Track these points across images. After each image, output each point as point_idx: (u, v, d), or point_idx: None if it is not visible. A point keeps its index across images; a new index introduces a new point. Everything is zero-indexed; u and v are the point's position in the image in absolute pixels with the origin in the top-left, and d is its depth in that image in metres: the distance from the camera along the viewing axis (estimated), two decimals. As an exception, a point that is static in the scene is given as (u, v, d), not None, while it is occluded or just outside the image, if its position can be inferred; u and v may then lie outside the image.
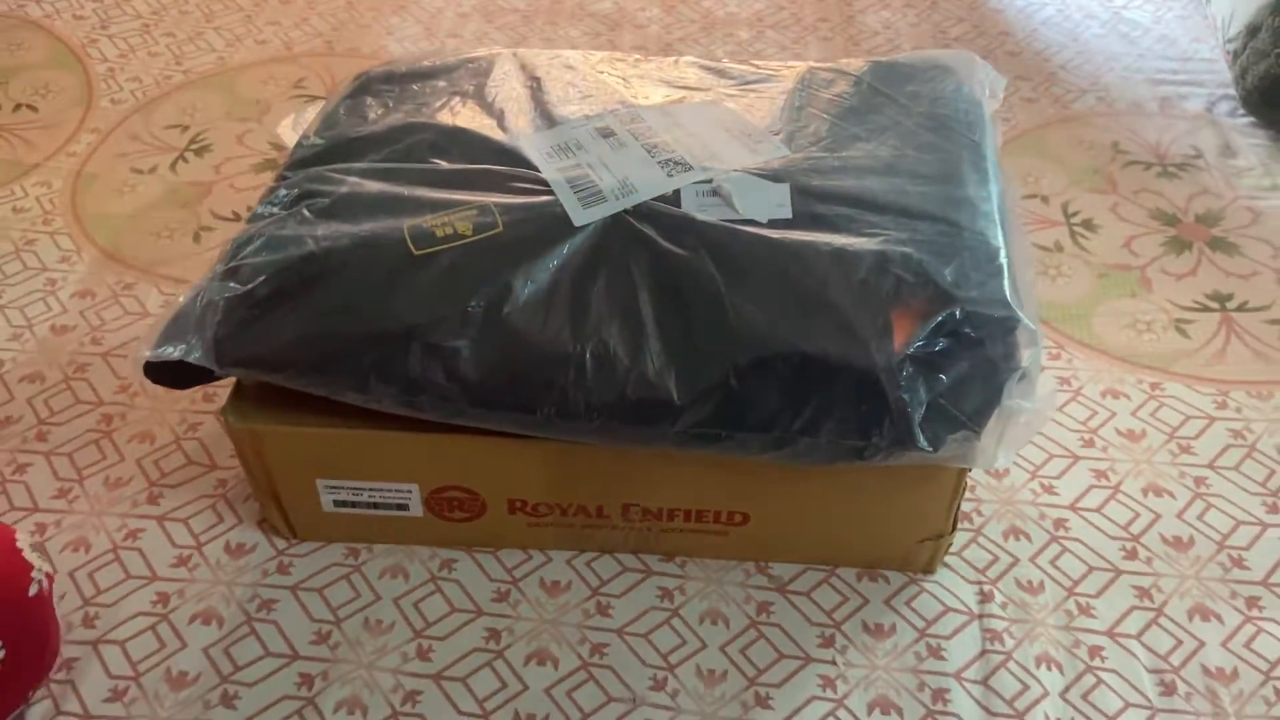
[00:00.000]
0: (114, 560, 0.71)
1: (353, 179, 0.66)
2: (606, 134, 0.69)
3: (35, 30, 1.22)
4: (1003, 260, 0.62)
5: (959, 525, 0.72)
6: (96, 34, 1.22)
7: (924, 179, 0.66)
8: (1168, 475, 0.76)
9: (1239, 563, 0.71)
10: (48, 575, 0.61)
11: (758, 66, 0.79)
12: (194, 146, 1.07)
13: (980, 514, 0.74)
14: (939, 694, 0.64)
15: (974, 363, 0.59)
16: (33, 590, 0.59)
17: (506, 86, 0.75)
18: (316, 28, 1.24)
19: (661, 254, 0.61)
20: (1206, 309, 0.89)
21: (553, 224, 0.62)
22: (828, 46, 1.22)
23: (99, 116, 1.11)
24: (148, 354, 0.61)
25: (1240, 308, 0.89)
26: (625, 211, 0.63)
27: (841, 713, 0.63)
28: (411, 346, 0.59)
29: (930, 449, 0.58)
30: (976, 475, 0.76)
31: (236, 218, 0.98)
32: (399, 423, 0.62)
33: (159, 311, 0.88)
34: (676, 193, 0.64)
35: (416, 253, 0.62)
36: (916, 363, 0.58)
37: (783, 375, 0.58)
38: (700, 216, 0.63)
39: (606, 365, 0.59)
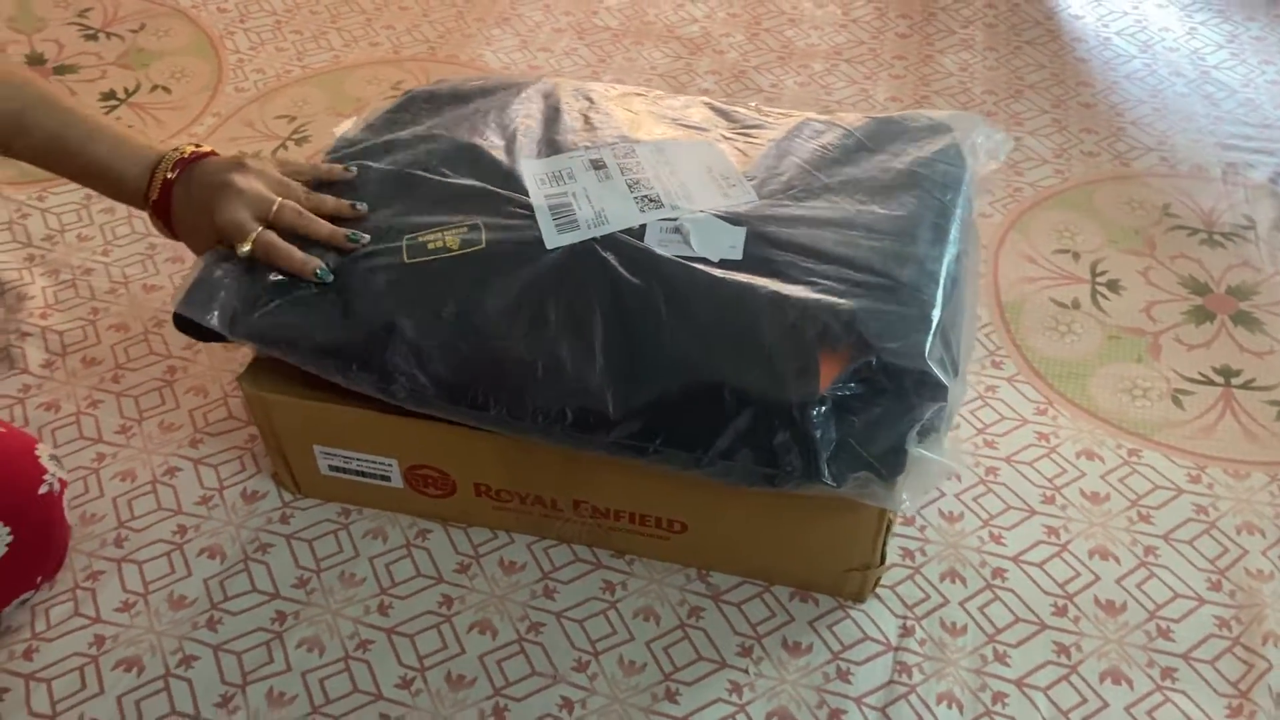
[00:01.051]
0: (151, 492, 0.82)
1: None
2: (598, 165, 0.76)
3: (182, 19, 1.38)
4: (932, 317, 0.66)
5: (896, 561, 0.76)
6: (234, 26, 1.37)
7: (878, 234, 0.70)
8: (1119, 540, 0.77)
9: (1165, 633, 0.72)
10: (60, 481, 0.72)
11: (763, 112, 0.84)
12: (295, 136, 1.19)
13: (924, 553, 0.77)
14: (836, 713, 0.68)
15: (885, 410, 0.63)
16: (43, 490, 0.70)
17: (525, 112, 0.82)
18: (425, 34, 1.35)
19: (618, 281, 0.68)
20: (1210, 382, 0.89)
21: (527, 246, 0.70)
22: (899, 85, 1.25)
23: (223, 102, 1.24)
24: (175, 309, 0.71)
25: (1245, 385, 0.88)
26: (594, 239, 0.70)
27: (741, 717, 0.68)
28: (389, 341, 0.68)
29: (834, 484, 0.63)
30: (928, 516, 0.80)
31: (316, 204, 1.09)
32: (382, 404, 0.71)
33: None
34: (643, 226, 0.71)
35: (408, 261, 0.70)
36: (830, 403, 0.63)
37: (709, 401, 0.64)
38: (659, 250, 0.69)
39: (554, 375, 0.66)
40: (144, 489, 0.82)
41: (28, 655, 0.71)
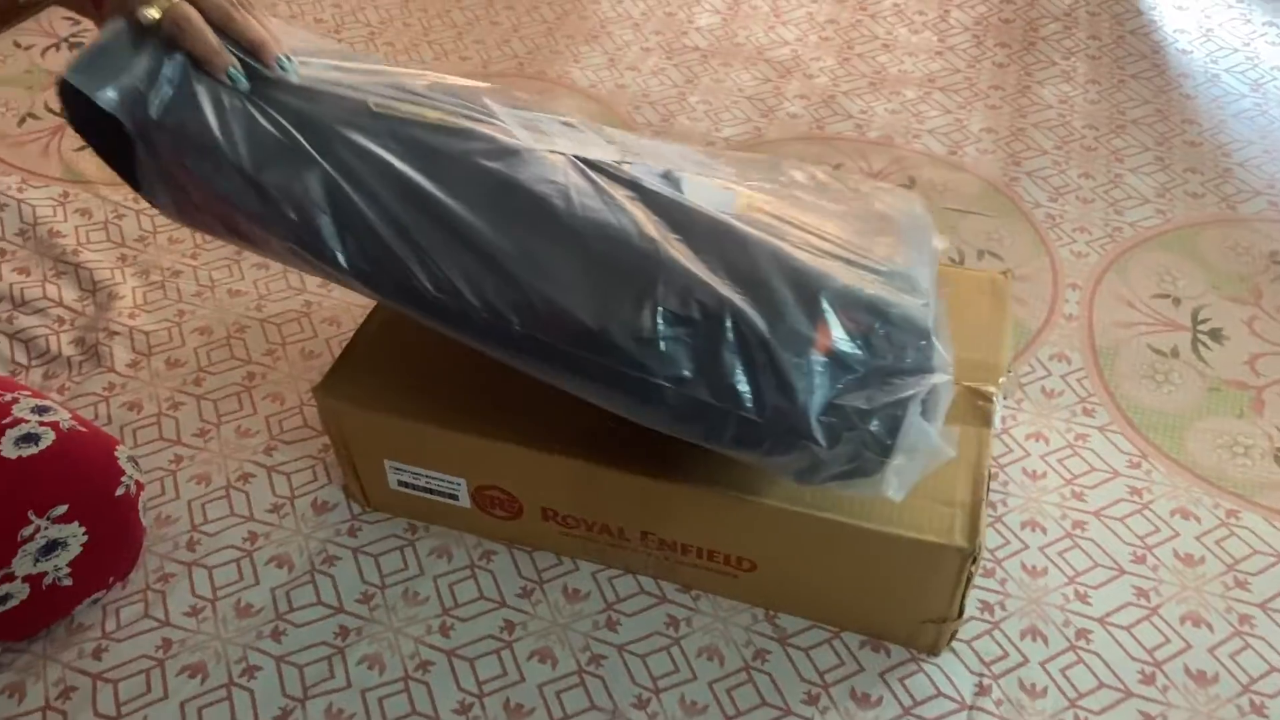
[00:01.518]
0: (225, 497, 0.83)
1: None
2: (569, 125, 0.69)
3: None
4: (930, 302, 0.62)
5: (974, 614, 0.73)
6: (329, 37, 1.39)
7: (866, 234, 0.66)
8: (1213, 607, 0.73)
9: (1259, 709, 0.68)
10: (137, 483, 0.73)
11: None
12: (383, 147, 1.20)
13: (1004, 608, 0.74)
14: (904, 772, 0.66)
15: (885, 380, 0.59)
16: (119, 491, 0.71)
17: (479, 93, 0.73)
18: (514, 50, 1.36)
19: (601, 190, 0.61)
20: (1318, 443, 0.84)
21: (508, 141, 0.63)
22: (994, 115, 1.21)
23: (314, 111, 1.26)
24: (64, 75, 0.58)
25: (1357, 447, 0.83)
26: (577, 157, 0.63)
27: (804, 767, 0.66)
28: (327, 176, 0.59)
29: (824, 444, 0.58)
30: (1011, 570, 0.76)
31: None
32: (452, 423, 0.70)
33: (317, 291, 1.01)
34: (628, 164, 0.64)
35: (374, 109, 0.62)
36: (830, 357, 0.58)
37: (699, 330, 0.58)
38: (646, 184, 0.63)
39: (521, 270, 0.59)
40: (218, 493, 0.83)
41: (97, 654, 0.72)
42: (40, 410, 0.74)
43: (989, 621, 0.73)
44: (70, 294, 1.00)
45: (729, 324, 0.58)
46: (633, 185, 0.63)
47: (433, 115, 0.63)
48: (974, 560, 0.65)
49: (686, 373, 0.58)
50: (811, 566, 0.70)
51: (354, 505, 0.82)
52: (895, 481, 0.59)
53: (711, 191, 0.65)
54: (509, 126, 0.65)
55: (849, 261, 0.63)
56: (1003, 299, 0.80)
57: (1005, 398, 0.73)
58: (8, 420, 0.72)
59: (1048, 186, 1.11)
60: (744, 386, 0.58)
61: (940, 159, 1.15)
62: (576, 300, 0.58)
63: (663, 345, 0.58)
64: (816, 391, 0.57)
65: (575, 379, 0.61)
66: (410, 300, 0.60)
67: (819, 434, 0.57)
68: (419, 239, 0.59)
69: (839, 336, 0.58)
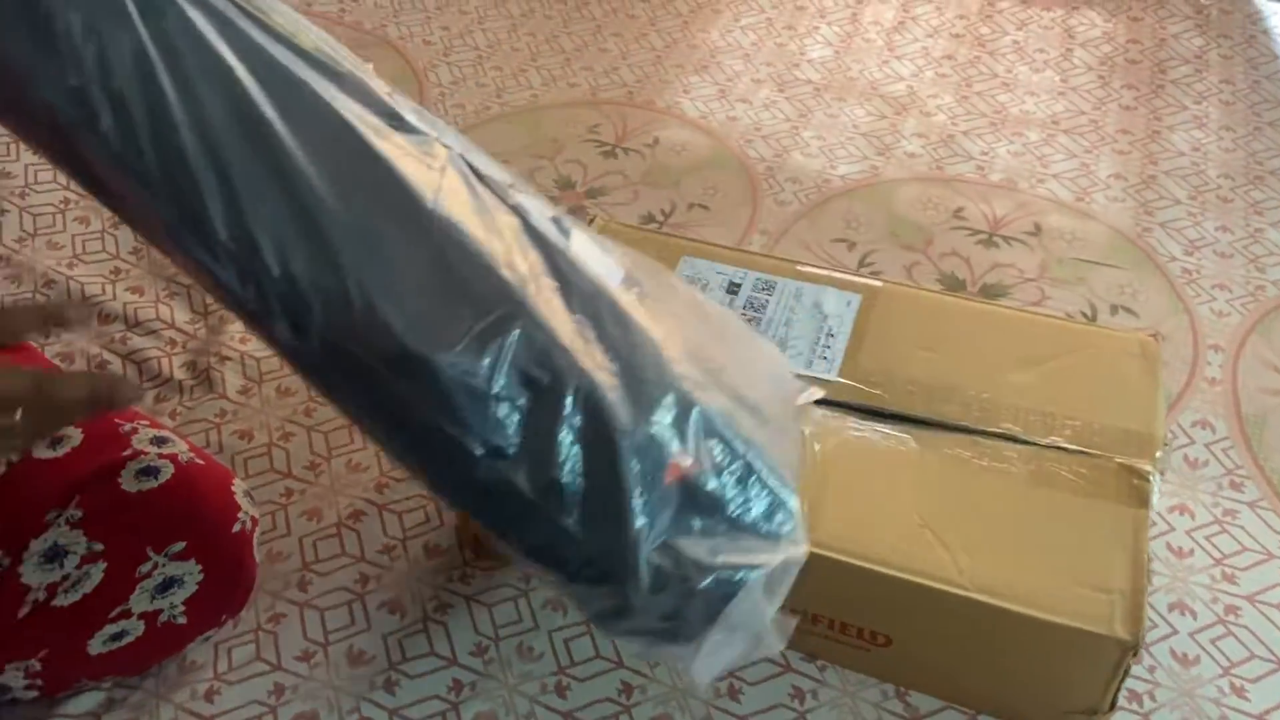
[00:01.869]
0: (336, 535, 0.81)
1: None
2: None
3: (389, 49, 1.40)
4: (794, 484, 0.55)
5: (1120, 704, 0.69)
6: (438, 59, 1.38)
7: (748, 370, 0.58)
8: (1387, 712, 0.68)
9: None
10: (252, 519, 0.71)
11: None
12: (491, 174, 1.18)
13: (1154, 699, 0.70)
14: None
15: (736, 531, 0.51)
16: (235, 528, 0.69)
17: None
18: (623, 78, 1.34)
19: (480, 201, 0.50)
20: None
21: (387, 103, 0.52)
22: (1123, 161, 1.16)
23: (421, 135, 1.25)
24: None
25: None
26: (460, 155, 0.52)
27: None
28: (138, 46, 0.44)
29: (645, 586, 0.48)
30: (1160, 656, 0.72)
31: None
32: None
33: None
34: (516, 196, 0.54)
35: (236, 1, 0.49)
36: (684, 487, 0.50)
37: (542, 400, 0.47)
38: (532, 218, 0.53)
39: (347, 248, 0.46)
40: (329, 531, 0.82)
41: (209, 696, 0.71)
42: (159, 441, 0.73)
43: (1138, 713, 0.69)
44: (182, 316, 1.00)
45: (578, 404, 0.47)
46: (517, 211, 0.52)
47: (308, 42, 0.50)
48: (1134, 652, 0.61)
49: (509, 448, 0.47)
50: (952, 647, 0.66)
51: (466, 550, 0.80)
52: (705, 663, 0.50)
53: (600, 255, 0.55)
54: (399, 103, 0.53)
55: (725, 389, 0.54)
56: (1153, 365, 0.76)
57: (1162, 474, 0.68)
58: (128, 453, 0.71)
59: (1182, 239, 1.06)
60: (571, 489, 0.47)
61: (1067, 205, 1.10)
62: (405, 310, 0.46)
63: (492, 405, 0.47)
64: (656, 523, 0.48)
65: (361, 405, 0.50)
66: (189, 234, 0.47)
67: (643, 573, 0.48)
68: (228, 162, 0.46)
69: (702, 468, 0.50)
